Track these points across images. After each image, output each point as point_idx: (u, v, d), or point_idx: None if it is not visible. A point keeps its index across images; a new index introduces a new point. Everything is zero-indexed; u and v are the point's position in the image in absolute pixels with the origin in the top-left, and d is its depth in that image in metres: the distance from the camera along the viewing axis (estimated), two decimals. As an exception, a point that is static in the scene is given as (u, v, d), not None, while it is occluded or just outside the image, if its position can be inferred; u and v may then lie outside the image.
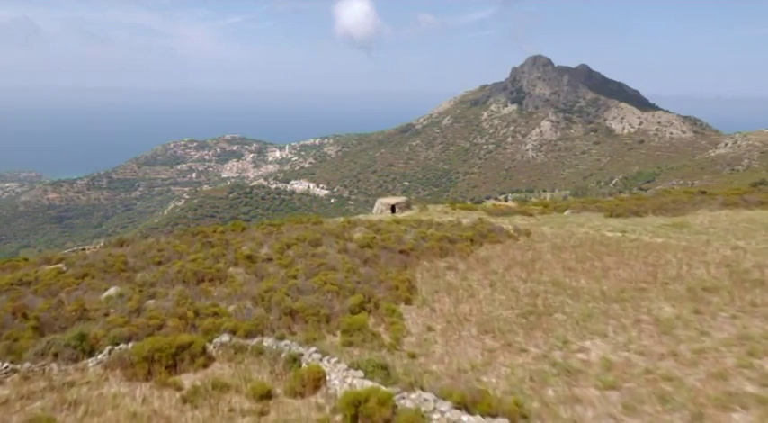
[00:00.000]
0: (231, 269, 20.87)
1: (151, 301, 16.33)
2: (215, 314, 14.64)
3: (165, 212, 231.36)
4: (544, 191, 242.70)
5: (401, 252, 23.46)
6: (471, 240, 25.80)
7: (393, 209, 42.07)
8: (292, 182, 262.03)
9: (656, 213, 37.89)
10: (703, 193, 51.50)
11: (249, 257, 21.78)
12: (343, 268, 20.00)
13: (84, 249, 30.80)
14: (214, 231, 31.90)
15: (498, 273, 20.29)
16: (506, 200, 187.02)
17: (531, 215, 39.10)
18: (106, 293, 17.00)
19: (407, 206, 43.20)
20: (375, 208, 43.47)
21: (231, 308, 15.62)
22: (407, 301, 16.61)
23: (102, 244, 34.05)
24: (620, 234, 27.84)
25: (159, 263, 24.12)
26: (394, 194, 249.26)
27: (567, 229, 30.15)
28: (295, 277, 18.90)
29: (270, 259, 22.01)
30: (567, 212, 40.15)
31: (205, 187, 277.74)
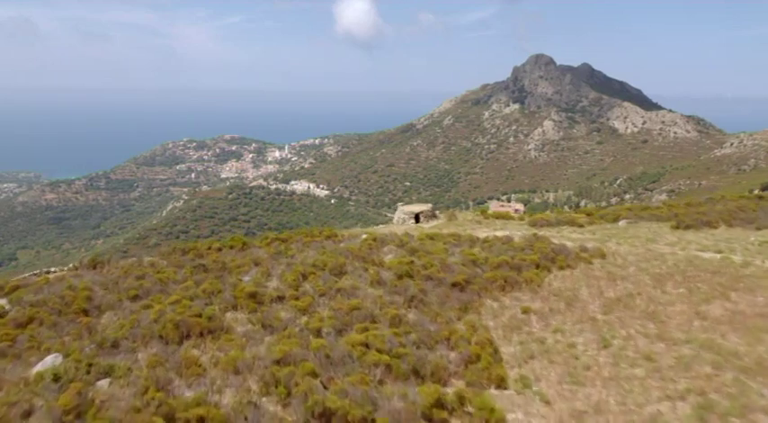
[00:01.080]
0: (229, 314, 15.11)
1: (104, 383, 10.56)
2: (200, 421, 8.90)
3: (164, 213, 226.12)
4: (547, 191, 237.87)
5: (453, 285, 17.71)
6: (537, 266, 20.03)
7: (417, 218, 36.30)
8: (292, 182, 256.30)
9: (730, 224, 32.11)
10: (760, 197, 46.16)
11: (253, 296, 16.01)
12: (386, 315, 14.24)
13: (48, 272, 25.16)
14: (209, 249, 26.16)
15: (599, 320, 14.53)
16: (509, 200, 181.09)
17: (580, 226, 33.31)
18: (38, 368, 11.24)
19: (433, 215, 37.40)
20: (396, 217, 37.70)
21: (227, 401, 9.89)
22: (500, 384, 10.81)
23: (71, 265, 28.23)
24: (717, 255, 22.07)
25: (135, 297, 18.46)
26: (395, 195, 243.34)
27: (645, 246, 24.35)
28: (319, 332, 13.16)
29: (281, 298, 16.25)
30: (621, 223, 34.32)
31: (204, 187, 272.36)
